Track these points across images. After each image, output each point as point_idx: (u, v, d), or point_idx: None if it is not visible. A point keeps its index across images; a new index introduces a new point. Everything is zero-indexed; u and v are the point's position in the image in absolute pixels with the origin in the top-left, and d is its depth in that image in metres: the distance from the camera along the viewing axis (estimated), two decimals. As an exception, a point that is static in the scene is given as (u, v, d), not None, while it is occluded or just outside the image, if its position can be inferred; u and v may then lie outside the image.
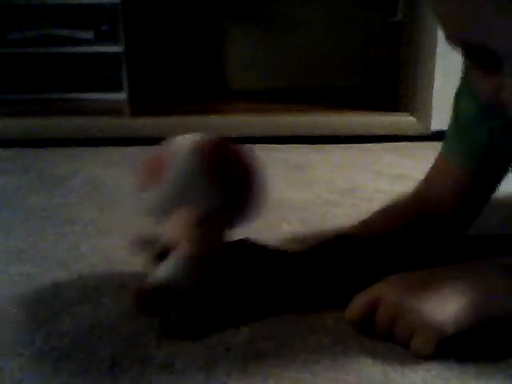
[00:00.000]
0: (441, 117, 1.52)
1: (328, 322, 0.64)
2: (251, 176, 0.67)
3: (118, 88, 2.15)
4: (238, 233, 0.67)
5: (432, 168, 0.78)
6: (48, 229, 0.97)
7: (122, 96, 2.15)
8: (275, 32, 2.41)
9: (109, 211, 1.07)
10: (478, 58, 0.51)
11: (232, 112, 1.98)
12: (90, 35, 2.12)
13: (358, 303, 0.60)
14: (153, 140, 1.79)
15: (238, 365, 0.57)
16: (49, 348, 0.60)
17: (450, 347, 0.57)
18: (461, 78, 0.73)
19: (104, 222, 1.01)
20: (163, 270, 0.60)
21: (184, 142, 0.67)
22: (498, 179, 0.76)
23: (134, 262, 0.83)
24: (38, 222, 1.01)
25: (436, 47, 1.60)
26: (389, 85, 1.96)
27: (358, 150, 1.58)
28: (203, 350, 0.59)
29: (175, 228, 0.62)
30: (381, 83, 2.18)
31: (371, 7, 2.34)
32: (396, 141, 1.65)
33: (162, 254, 0.61)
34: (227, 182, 0.64)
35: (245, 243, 0.68)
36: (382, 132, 1.68)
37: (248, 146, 0.69)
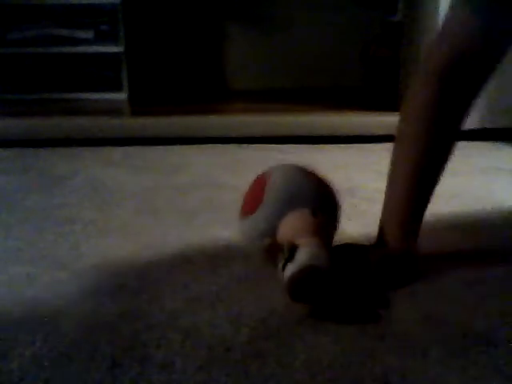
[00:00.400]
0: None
1: (328, 322, 0.65)
2: (330, 187, 0.83)
3: (118, 88, 2.15)
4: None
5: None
6: (48, 229, 0.97)
7: (122, 96, 2.15)
8: (275, 32, 2.41)
9: (109, 211, 1.07)
10: None
11: (232, 112, 1.98)
12: (89, 35, 2.12)
13: None
14: (153, 140, 1.79)
15: (238, 365, 0.57)
16: (49, 348, 0.60)
17: (448, 348, 0.57)
18: None
19: (104, 222, 1.01)
20: (302, 259, 0.66)
21: (278, 165, 0.89)
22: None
23: (133, 262, 0.83)
24: (38, 222, 1.01)
25: (436, 47, 1.59)
26: (389, 85, 1.95)
27: (358, 150, 1.58)
28: (203, 350, 0.59)
29: (294, 226, 0.74)
30: (381, 83, 2.18)
31: (371, 7, 2.34)
32: (396, 141, 1.65)
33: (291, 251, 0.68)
34: (321, 189, 0.82)
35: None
36: (381, 132, 1.68)
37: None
